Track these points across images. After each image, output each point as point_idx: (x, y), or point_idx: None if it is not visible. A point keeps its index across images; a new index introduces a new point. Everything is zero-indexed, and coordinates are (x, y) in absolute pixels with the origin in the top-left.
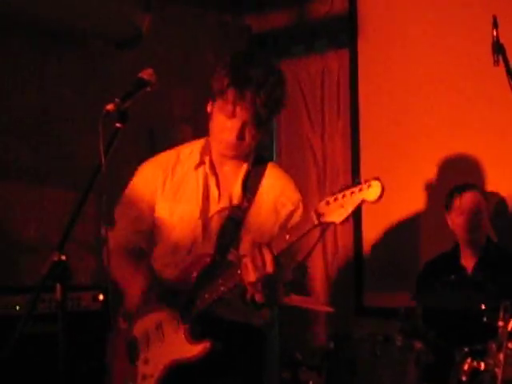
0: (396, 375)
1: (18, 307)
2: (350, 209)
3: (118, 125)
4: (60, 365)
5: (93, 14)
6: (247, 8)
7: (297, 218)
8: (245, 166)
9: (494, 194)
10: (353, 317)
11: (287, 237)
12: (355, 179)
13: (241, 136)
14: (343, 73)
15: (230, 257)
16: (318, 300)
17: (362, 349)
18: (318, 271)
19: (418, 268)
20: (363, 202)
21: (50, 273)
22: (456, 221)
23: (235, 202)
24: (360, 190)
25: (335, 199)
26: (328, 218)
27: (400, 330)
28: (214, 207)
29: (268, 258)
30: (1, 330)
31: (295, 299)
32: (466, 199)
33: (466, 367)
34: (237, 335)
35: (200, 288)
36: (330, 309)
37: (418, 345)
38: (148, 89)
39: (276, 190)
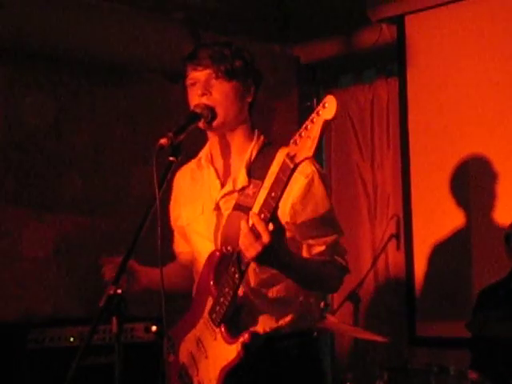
0: None
1: (72, 339)
2: (316, 136)
3: (171, 158)
4: None
5: (142, 48)
6: (295, 38)
7: (314, 190)
8: (249, 151)
9: None
10: (406, 347)
11: (272, 194)
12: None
13: (205, 92)
14: (393, 101)
15: None
16: (372, 330)
17: (417, 379)
18: (370, 301)
19: (470, 296)
20: (325, 122)
21: (106, 306)
22: None
23: (239, 187)
24: (318, 113)
25: (300, 135)
26: (300, 156)
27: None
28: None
29: (261, 227)
30: (56, 362)
31: (350, 330)
32: None
33: None
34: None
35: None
36: (384, 339)
37: (473, 375)
38: (201, 122)
39: None
